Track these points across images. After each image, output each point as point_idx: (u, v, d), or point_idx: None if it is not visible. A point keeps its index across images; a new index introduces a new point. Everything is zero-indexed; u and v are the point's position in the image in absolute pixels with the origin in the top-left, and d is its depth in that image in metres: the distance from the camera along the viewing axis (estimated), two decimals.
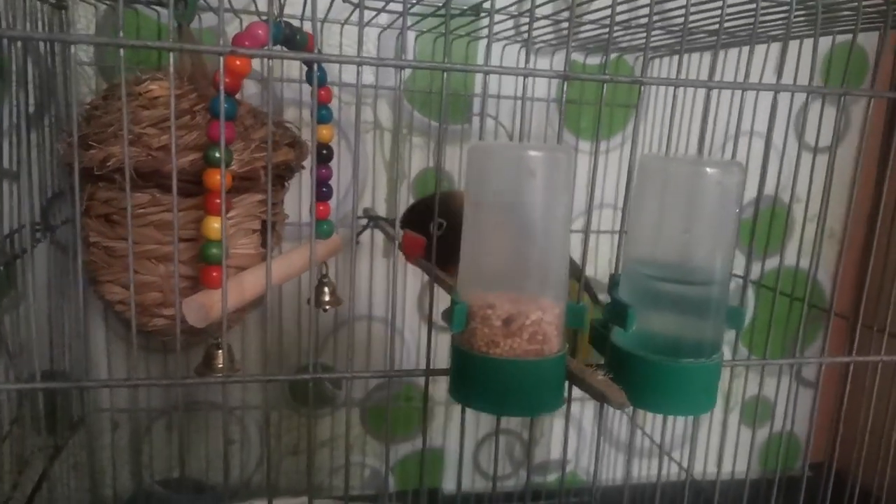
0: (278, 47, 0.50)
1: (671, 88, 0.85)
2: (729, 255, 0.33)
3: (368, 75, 0.80)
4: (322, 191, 0.56)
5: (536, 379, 0.31)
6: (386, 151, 0.85)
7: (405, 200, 0.85)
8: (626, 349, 0.34)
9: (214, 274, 0.45)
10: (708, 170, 0.32)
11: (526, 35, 0.80)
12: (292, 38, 0.49)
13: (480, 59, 0.82)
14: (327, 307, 0.60)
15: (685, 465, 0.90)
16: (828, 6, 0.45)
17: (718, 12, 0.36)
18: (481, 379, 0.31)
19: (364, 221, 0.75)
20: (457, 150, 0.86)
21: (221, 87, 0.33)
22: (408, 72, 0.83)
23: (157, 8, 0.66)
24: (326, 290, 0.60)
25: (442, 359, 0.38)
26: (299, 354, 0.85)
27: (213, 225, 0.45)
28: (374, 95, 0.81)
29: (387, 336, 0.86)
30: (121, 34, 0.31)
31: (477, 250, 0.33)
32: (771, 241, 0.94)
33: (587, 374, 0.33)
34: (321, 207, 0.57)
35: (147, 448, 0.81)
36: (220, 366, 0.46)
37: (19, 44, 0.36)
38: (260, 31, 0.45)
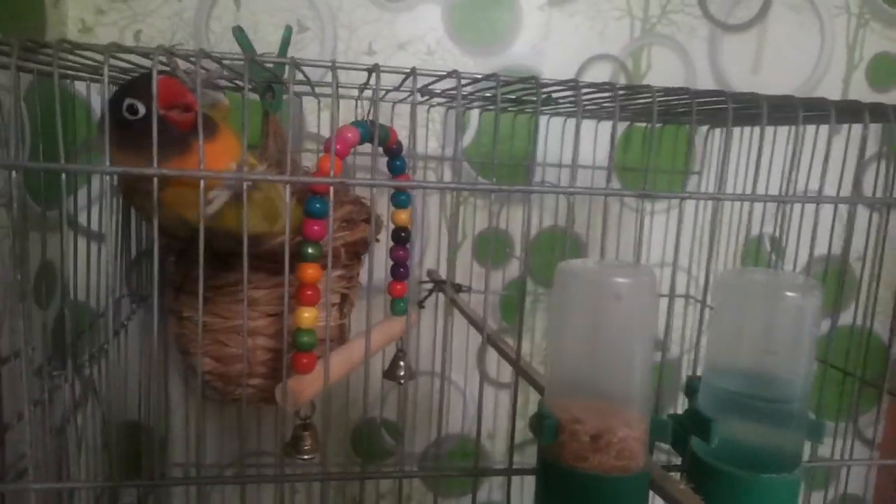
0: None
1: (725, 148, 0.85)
2: (809, 372, 0.34)
3: (433, 142, 0.84)
4: (399, 271, 0.59)
5: (623, 495, 0.33)
6: (448, 214, 0.88)
7: (468, 261, 0.87)
8: (706, 460, 0.35)
9: (305, 360, 0.48)
10: (788, 294, 0.33)
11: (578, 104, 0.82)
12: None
13: (542, 132, 0.85)
14: (402, 381, 0.63)
15: None
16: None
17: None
18: (567, 492, 0.33)
19: (429, 286, 0.78)
20: (518, 212, 0.88)
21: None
22: (469, 138, 0.86)
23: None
24: (402, 363, 0.63)
25: (488, 411, 0.39)
26: (365, 406, 0.87)
27: (305, 314, 0.48)
28: (441, 161, 0.85)
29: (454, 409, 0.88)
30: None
31: (563, 363, 0.35)
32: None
33: (669, 484, 0.34)
34: (398, 286, 0.59)
35: (219, 497, 0.85)
36: (307, 448, 0.48)
37: None
38: (349, 135, 0.49)
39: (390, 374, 0.65)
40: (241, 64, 0.45)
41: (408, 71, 0.39)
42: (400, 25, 0.83)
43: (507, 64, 0.85)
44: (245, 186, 0.34)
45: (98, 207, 0.74)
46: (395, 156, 0.54)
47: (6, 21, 0.61)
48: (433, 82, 0.40)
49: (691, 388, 0.38)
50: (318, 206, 0.41)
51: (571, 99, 0.78)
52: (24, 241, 0.39)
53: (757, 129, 0.82)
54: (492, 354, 0.90)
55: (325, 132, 0.80)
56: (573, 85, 0.37)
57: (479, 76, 0.40)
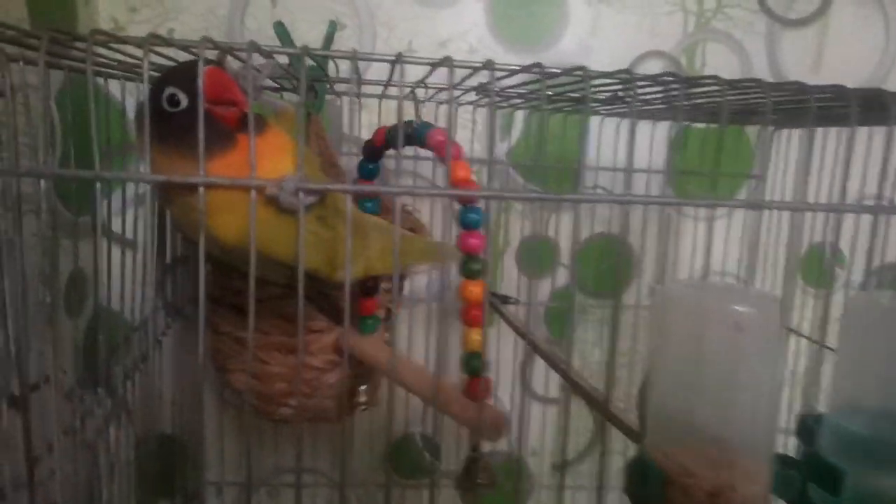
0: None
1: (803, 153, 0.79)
2: None
3: (476, 146, 0.79)
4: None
5: None
6: (489, 218, 0.83)
7: (512, 270, 0.82)
8: None
9: (482, 386, 0.42)
10: None
11: (629, 103, 0.77)
12: (413, 137, 0.46)
13: (594, 133, 0.79)
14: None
15: None
16: None
17: None
18: None
19: None
20: (564, 218, 0.83)
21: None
22: (514, 139, 0.81)
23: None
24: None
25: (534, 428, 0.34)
26: (406, 422, 0.83)
27: (474, 336, 0.42)
28: (488, 167, 0.80)
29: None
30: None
31: (668, 404, 0.30)
32: None
33: None
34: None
35: None
36: (482, 479, 0.44)
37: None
38: (440, 138, 0.43)
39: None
40: (290, 59, 0.40)
41: (479, 64, 0.34)
42: (440, 22, 0.78)
43: (552, 61, 0.80)
44: (303, 201, 0.29)
45: (133, 212, 0.70)
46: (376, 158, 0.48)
47: (36, 20, 0.58)
48: (507, 76, 0.35)
49: (807, 429, 0.33)
50: (473, 215, 0.36)
51: (630, 97, 0.72)
52: (54, 256, 0.35)
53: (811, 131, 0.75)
54: (538, 367, 0.85)
55: (366, 135, 0.75)
56: (678, 79, 0.32)
57: (558, 70, 0.35)
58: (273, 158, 0.32)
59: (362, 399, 0.52)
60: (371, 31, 0.77)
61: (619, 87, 0.45)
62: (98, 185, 0.30)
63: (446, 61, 0.31)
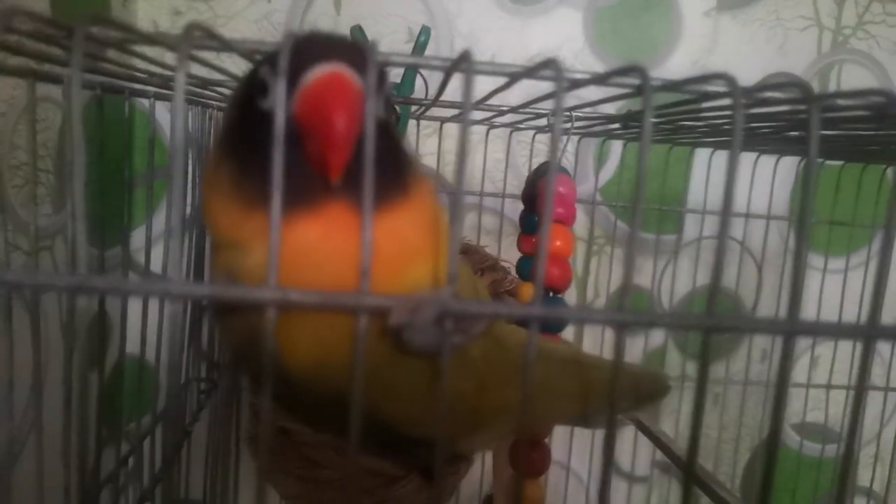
0: None
1: None
2: None
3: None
4: None
5: None
6: (578, 265, 0.69)
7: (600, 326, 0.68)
8: None
9: None
10: None
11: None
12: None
13: (697, 167, 0.65)
14: None
15: None
16: None
17: None
18: None
19: None
20: (661, 265, 0.68)
21: None
22: (608, 174, 0.67)
23: None
24: None
25: None
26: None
27: (538, 493, 0.29)
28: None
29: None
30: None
31: None
32: None
33: None
34: None
35: None
36: None
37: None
38: (563, 189, 0.30)
39: None
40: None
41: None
42: (529, 34, 0.65)
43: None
44: (450, 339, 0.16)
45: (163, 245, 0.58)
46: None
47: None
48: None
49: None
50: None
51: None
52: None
53: None
54: (624, 441, 0.71)
55: (448, 163, 0.62)
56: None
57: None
58: (396, 248, 0.18)
59: None
60: (448, 42, 0.64)
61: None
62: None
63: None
